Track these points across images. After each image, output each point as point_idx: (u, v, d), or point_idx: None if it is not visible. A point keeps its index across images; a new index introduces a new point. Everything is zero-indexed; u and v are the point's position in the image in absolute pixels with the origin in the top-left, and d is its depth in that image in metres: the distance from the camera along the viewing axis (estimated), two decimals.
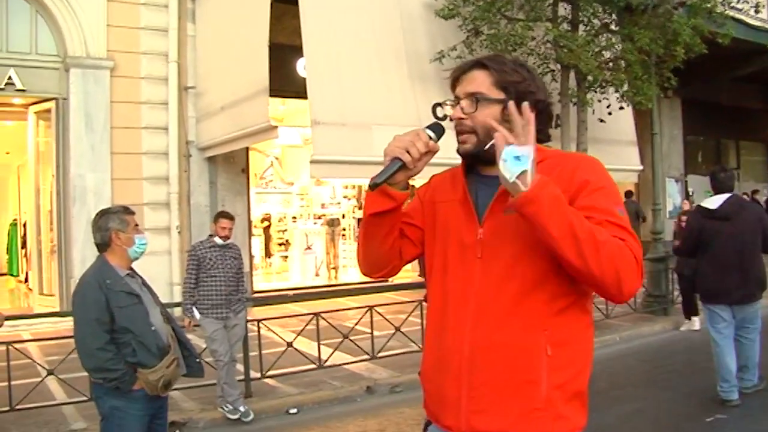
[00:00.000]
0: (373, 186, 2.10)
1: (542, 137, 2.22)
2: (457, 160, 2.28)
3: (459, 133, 2.19)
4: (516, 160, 1.89)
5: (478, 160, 2.20)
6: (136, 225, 4.14)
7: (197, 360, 4.36)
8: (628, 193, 15.54)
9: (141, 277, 4.20)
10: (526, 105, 1.98)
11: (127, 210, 4.14)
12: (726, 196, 6.54)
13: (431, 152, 2.11)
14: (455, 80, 2.23)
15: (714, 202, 6.56)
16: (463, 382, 2.11)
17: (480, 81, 2.16)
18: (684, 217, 10.18)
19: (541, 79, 2.28)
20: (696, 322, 9.98)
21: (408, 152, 2.06)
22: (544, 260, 2.02)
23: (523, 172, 1.88)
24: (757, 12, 12.66)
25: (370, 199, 2.18)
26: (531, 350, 2.04)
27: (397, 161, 2.07)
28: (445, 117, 2.20)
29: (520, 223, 1.99)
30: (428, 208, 2.33)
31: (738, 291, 6.43)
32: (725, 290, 6.44)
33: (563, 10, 10.62)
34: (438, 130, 2.14)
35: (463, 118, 2.16)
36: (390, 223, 2.22)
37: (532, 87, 2.17)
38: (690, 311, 10.06)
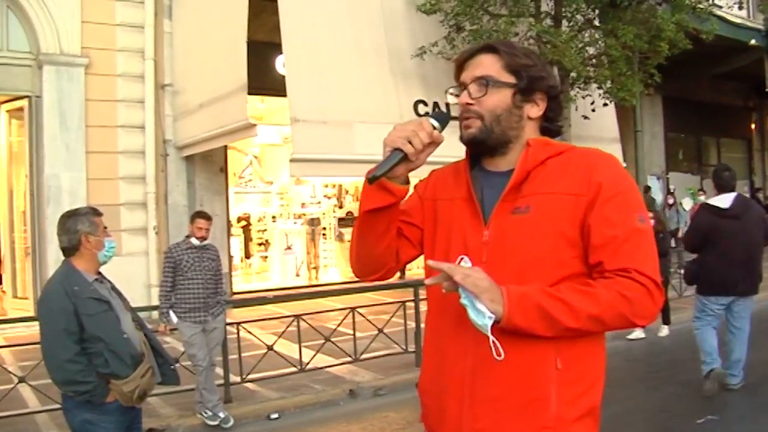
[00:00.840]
0: (372, 179, 1.91)
1: (553, 128, 2.08)
2: (455, 157, 2.12)
3: (464, 119, 2.02)
4: (479, 315, 1.78)
5: (484, 149, 2.03)
6: (105, 227, 3.91)
7: (172, 367, 4.15)
8: (646, 188, 15.33)
9: (110, 282, 3.98)
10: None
11: (95, 211, 3.91)
12: (733, 195, 6.73)
13: (435, 143, 1.93)
14: (460, 66, 2.06)
15: (724, 201, 6.71)
16: (465, 398, 1.94)
17: (489, 64, 2.00)
18: (650, 214, 10.06)
19: (551, 67, 2.14)
20: (665, 329, 9.89)
21: (410, 143, 1.88)
22: (555, 267, 1.86)
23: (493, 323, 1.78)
24: (740, 8, 12.64)
25: (367, 194, 1.99)
26: (539, 364, 1.87)
27: (398, 153, 1.89)
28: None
29: (530, 225, 1.85)
30: (428, 205, 2.15)
31: (743, 283, 6.73)
32: (732, 283, 6.68)
33: (546, 5, 10.56)
34: (442, 119, 1.95)
35: (470, 104, 1.99)
36: (387, 221, 2.04)
37: (543, 72, 2.02)
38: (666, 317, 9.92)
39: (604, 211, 1.86)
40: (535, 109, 2.03)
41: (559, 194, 1.89)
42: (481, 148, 2.03)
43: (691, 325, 7.18)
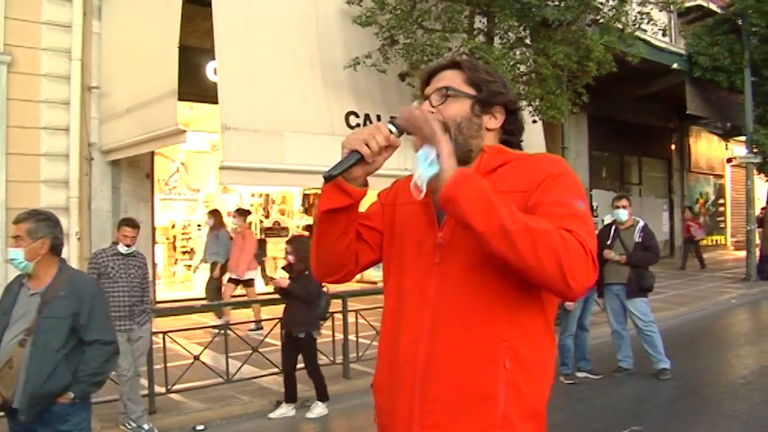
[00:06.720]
0: (328, 178, 1.95)
1: (513, 140, 2.17)
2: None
3: None
4: (424, 163, 1.84)
5: None
6: (14, 236, 3.81)
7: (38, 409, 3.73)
8: None
9: (74, 294, 3.77)
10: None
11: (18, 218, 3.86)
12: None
13: (392, 147, 1.98)
14: (426, 81, 2.17)
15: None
16: (416, 396, 1.97)
17: (451, 77, 2.13)
18: None
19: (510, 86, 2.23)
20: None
21: (367, 145, 1.92)
22: (506, 268, 1.86)
23: (434, 175, 1.82)
24: (664, 34, 13.04)
25: (325, 195, 2.04)
26: (488, 362, 1.91)
27: (355, 154, 1.93)
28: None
29: None
30: (388, 210, 2.23)
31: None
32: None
33: (479, 22, 10.67)
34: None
35: (431, 112, 2.06)
36: (345, 222, 2.08)
37: (503, 89, 2.14)
38: None
39: (547, 189, 1.91)
40: (493, 121, 2.13)
41: (508, 192, 1.93)
42: None
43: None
